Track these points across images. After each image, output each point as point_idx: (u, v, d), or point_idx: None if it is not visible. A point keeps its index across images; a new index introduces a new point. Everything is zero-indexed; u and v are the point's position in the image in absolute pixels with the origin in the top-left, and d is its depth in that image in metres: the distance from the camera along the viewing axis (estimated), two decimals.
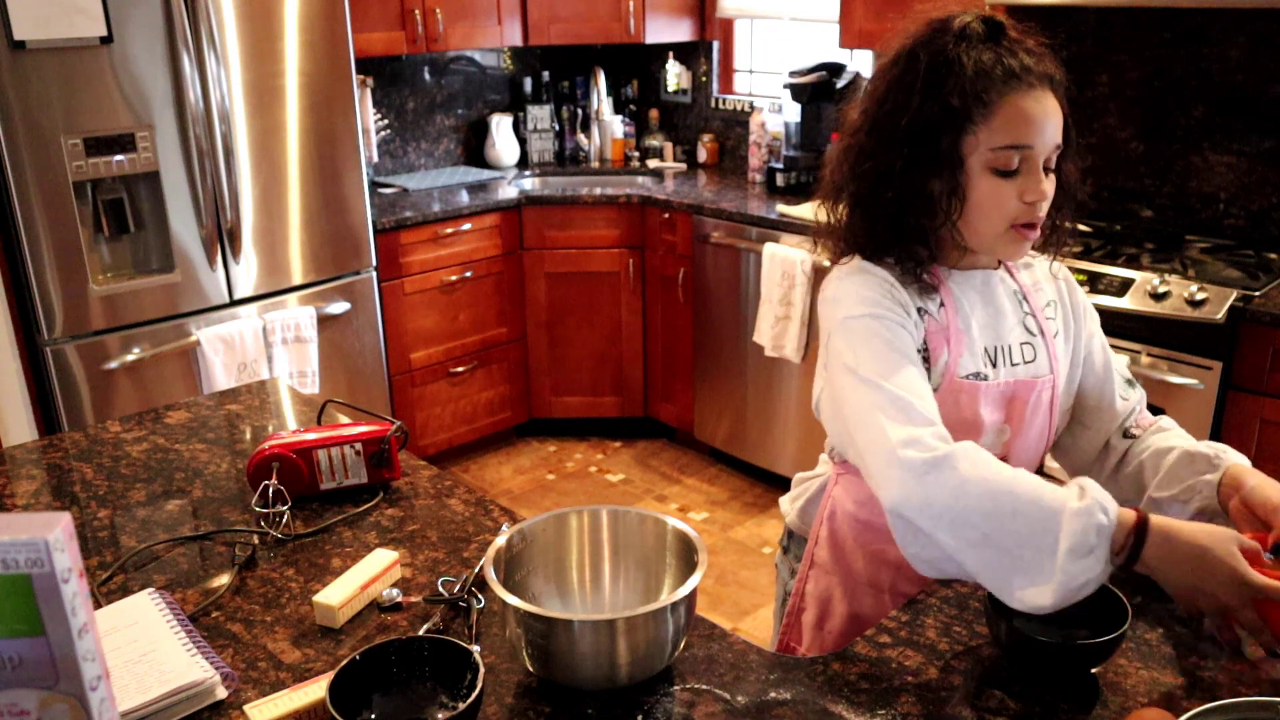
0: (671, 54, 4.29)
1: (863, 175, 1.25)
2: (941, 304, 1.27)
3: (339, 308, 3.29)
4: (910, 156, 1.21)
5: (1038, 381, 1.30)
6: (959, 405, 1.26)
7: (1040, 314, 1.33)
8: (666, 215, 3.70)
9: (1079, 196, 1.29)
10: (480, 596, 1.24)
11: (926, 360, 1.26)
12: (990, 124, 1.17)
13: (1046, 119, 1.18)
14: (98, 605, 1.23)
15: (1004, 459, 1.32)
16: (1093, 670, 1.10)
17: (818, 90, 3.55)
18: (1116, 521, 1.05)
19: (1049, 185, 1.21)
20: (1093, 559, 1.04)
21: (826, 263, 1.35)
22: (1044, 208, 1.22)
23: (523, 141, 4.34)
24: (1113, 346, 2.60)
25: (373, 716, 1.01)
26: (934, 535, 1.09)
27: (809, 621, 1.49)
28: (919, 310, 1.25)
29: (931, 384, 1.25)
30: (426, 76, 4.12)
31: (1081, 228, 3.04)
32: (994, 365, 1.29)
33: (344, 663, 1.00)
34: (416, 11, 3.61)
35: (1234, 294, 2.41)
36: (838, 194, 1.30)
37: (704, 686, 1.09)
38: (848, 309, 1.24)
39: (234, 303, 3.06)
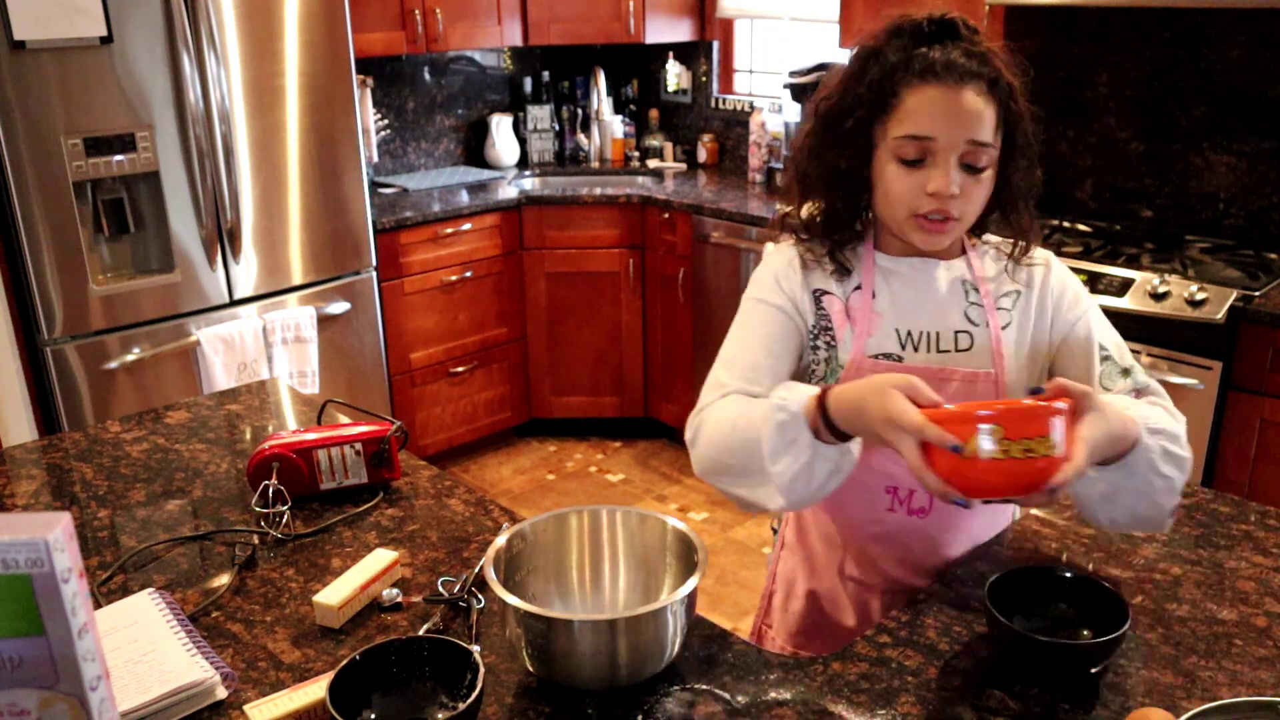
0: (671, 54, 4.29)
1: (797, 161, 1.32)
2: (859, 286, 1.31)
3: (339, 308, 3.29)
4: (829, 141, 1.27)
5: (969, 373, 1.28)
6: None
7: (990, 305, 1.31)
8: (666, 215, 3.70)
9: (1024, 200, 1.28)
10: (480, 596, 1.24)
11: (829, 340, 1.30)
12: (896, 114, 1.21)
13: (958, 114, 1.18)
14: (98, 605, 1.23)
15: None
16: (1093, 670, 1.10)
17: (817, 90, 3.55)
18: (804, 408, 1.13)
19: (968, 182, 1.20)
20: (795, 450, 1.13)
21: None
22: (957, 204, 1.20)
23: (523, 141, 4.34)
24: None
25: (373, 716, 1.01)
26: (723, 487, 1.23)
27: (778, 603, 1.52)
28: (819, 292, 1.31)
29: (839, 361, 1.29)
30: (426, 76, 4.12)
31: (1081, 228, 3.04)
32: (915, 350, 1.29)
33: (344, 663, 1.00)
34: (416, 11, 3.61)
35: (1234, 294, 2.41)
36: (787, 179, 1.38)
37: (704, 686, 1.09)
38: (749, 289, 1.35)
39: (234, 303, 3.06)
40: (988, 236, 1.37)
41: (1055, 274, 1.34)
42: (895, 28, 1.24)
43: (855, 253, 1.33)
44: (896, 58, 1.21)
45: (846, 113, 1.25)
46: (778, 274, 1.32)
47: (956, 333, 1.29)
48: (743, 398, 1.23)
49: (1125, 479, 1.13)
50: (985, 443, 0.99)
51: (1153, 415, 1.17)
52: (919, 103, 1.20)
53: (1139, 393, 1.26)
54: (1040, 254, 1.36)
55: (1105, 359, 1.31)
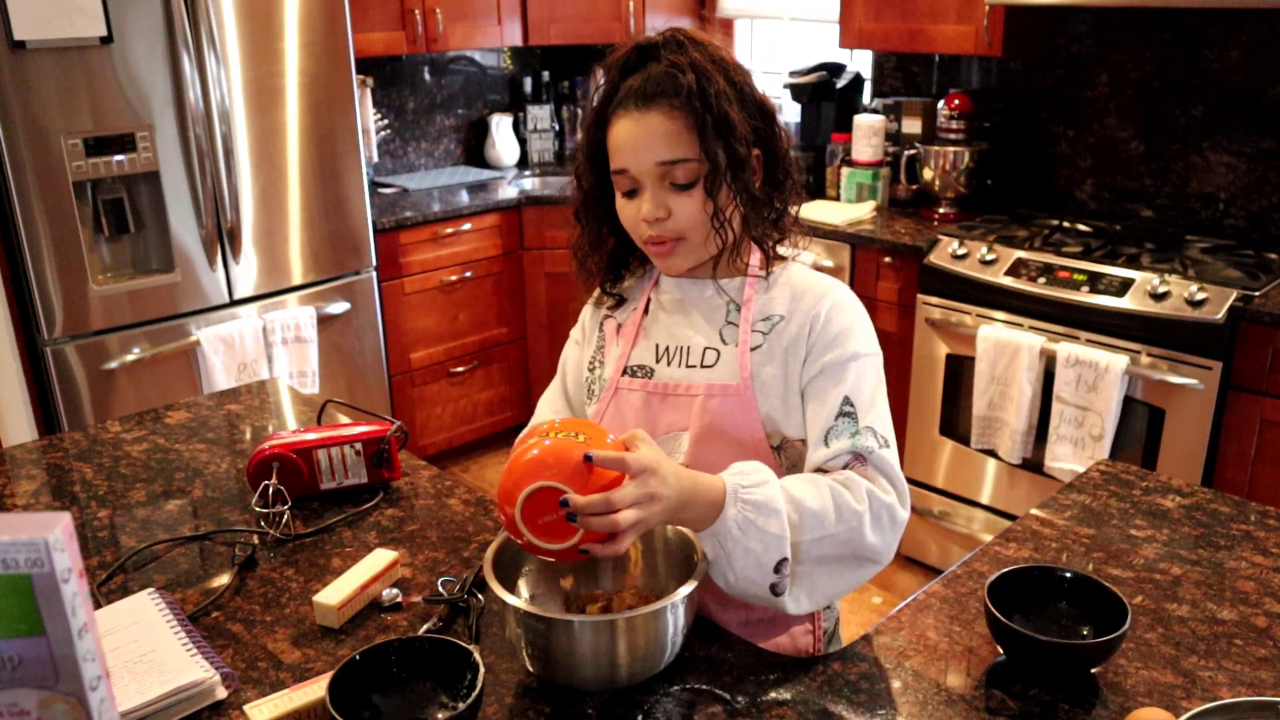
0: None
1: (571, 189, 1.36)
2: (635, 307, 1.35)
3: (339, 308, 3.29)
4: (585, 171, 1.30)
5: (711, 386, 1.24)
6: (622, 400, 1.31)
7: (746, 325, 1.26)
8: None
9: (759, 210, 1.24)
10: (480, 596, 1.24)
11: (601, 359, 1.36)
12: (609, 150, 1.24)
13: (641, 139, 1.19)
14: (98, 605, 1.23)
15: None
16: (1093, 670, 1.10)
17: (818, 90, 3.55)
18: None
19: (678, 200, 1.20)
20: None
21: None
22: (672, 225, 1.21)
23: (523, 141, 4.34)
24: (1113, 347, 2.59)
25: (372, 716, 1.01)
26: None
27: None
28: (605, 317, 1.39)
29: (604, 378, 1.35)
30: (426, 76, 4.12)
31: (1081, 227, 3.04)
32: (668, 364, 1.29)
33: (344, 663, 1.00)
34: (416, 11, 3.60)
35: (1234, 294, 2.41)
36: None
37: (704, 686, 1.09)
38: None
39: (234, 303, 3.06)
40: (805, 256, 1.35)
41: (830, 309, 1.24)
42: (611, 61, 1.25)
43: (649, 273, 1.37)
44: (603, 94, 1.24)
45: (584, 149, 1.28)
46: (584, 309, 1.43)
47: (706, 349, 1.28)
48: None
49: (714, 545, 1.08)
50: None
51: (766, 488, 1.09)
52: (614, 137, 1.22)
53: (856, 455, 1.17)
54: (827, 286, 1.27)
55: (845, 415, 1.20)
